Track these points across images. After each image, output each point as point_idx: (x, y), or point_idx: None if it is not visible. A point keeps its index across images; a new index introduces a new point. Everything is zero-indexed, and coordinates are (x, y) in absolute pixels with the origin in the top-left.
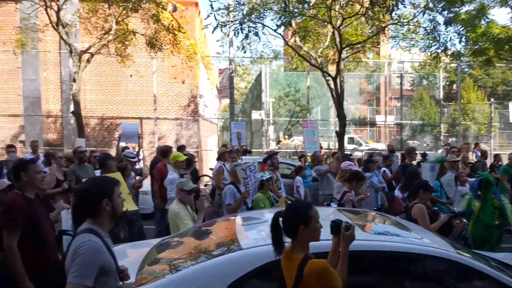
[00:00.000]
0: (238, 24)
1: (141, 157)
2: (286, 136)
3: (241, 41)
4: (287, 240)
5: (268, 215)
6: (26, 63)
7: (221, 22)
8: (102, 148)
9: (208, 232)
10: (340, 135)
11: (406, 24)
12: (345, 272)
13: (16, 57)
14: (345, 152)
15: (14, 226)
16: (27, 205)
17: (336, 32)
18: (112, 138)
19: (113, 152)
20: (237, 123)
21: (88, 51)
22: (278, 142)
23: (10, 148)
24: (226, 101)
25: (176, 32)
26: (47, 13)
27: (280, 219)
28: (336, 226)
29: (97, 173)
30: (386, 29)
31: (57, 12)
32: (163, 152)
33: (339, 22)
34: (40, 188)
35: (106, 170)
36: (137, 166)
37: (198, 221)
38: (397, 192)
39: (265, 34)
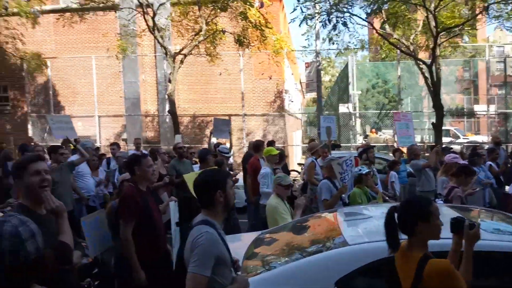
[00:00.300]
0: (326, 15)
1: (231, 152)
2: (373, 130)
3: (328, 32)
4: (402, 237)
5: (371, 210)
6: (127, 67)
7: (308, 14)
8: (195, 144)
9: (307, 227)
10: (437, 127)
11: None
12: (469, 274)
13: (118, 61)
14: (444, 146)
15: (129, 216)
16: (140, 197)
17: (431, 15)
18: (203, 135)
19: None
20: (326, 117)
21: (181, 53)
22: (366, 136)
23: (113, 145)
24: (310, 95)
25: (263, 28)
26: (145, 19)
27: (396, 214)
28: (458, 223)
29: (195, 167)
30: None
31: (153, 17)
32: (256, 146)
33: (433, 4)
34: (151, 181)
35: (205, 164)
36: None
37: (296, 216)
38: (509, 189)
39: (353, 24)
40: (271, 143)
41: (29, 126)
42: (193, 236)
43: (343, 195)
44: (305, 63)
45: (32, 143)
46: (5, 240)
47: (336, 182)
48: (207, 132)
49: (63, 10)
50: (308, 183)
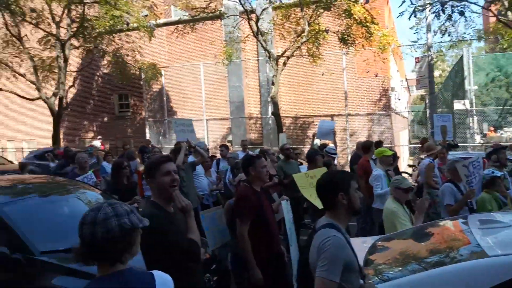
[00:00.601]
0: (439, 5)
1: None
2: (492, 128)
3: (442, 24)
4: None
5: (509, 218)
6: (231, 72)
7: (418, 6)
8: (297, 145)
9: (431, 234)
10: None
11: None
12: None
13: (224, 67)
14: None
15: (245, 215)
16: (255, 197)
17: None
18: (305, 136)
19: (305, 149)
20: (441, 115)
21: (283, 55)
22: (484, 135)
23: (222, 147)
24: (417, 93)
25: (368, 25)
26: (249, 24)
27: None
28: None
29: (303, 168)
30: None
31: (256, 22)
32: (365, 147)
33: None
34: (264, 181)
35: (313, 165)
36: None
37: (417, 222)
38: None
39: (471, 12)
40: (379, 144)
41: (147, 130)
42: (318, 239)
43: (470, 201)
44: (415, 58)
45: (150, 145)
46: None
47: (461, 186)
48: (309, 133)
49: (175, 23)
50: (423, 186)
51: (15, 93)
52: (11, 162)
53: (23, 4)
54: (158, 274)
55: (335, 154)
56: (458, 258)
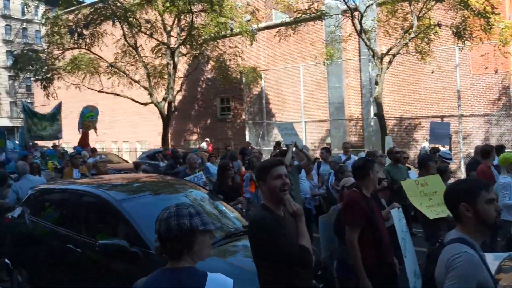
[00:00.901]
0: None
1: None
2: None
3: None
4: None
5: None
6: (331, 73)
7: None
8: (401, 149)
9: None
10: None
11: None
12: None
13: (324, 68)
14: None
15: (355, 222)
16: (365, 203)
17: None
18: (410, 139)
19: (411, 153)
20: None
21: (388, 53)
22: None
23: (323, 150)
24: None
25: (488, 15)
26: (352, 23)
27: None
28: None
29: (411, 174)
30: None
31: (360, 20)
32: (485, 152)
33: None
34: (375, 186)
35: (424, 171)
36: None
37: None
38: None
39: None
40: (501, 149)
41: (246, 132)
42: (447, 255)
43: None
44: None
45: (249, 147)
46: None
47: None
48: (415, 136)
49: (276, 26)
50: None
51: (131, 98)
52: (126, 161)
53: (138, 17)
54: (214, 277)
55: (451, 159)
56: None
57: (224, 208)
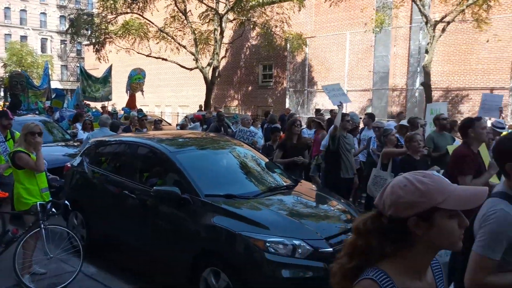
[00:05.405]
0: None
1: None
2: None
3: None
4: None
5: None
6: (379, 41)
7: None
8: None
9: None
10: None
11: None
12: None
13: (373, 35)
14: None
15: (466, 171)
16: (474, 156)
17: None
18: (455, 111)
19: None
20: None
21: (443, 21)
22: None
23: (366, 115)
24: None
25: None
26: None
27: None
28: None
29: (457, 143)
30: None
31: None
32: None
33: None
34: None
35: (468, 138)
36: None
37: None
38: None
39: None
40: None
41: (287, 100)
42: (485, 208)
43: None
44: None
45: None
46: None
47: None
48: (461, 108)
49: None
50: None
51: (177, 63)
52: (169, 124)
53: None
54: None
55: (503, 128)
56: None
57: (269, 165)
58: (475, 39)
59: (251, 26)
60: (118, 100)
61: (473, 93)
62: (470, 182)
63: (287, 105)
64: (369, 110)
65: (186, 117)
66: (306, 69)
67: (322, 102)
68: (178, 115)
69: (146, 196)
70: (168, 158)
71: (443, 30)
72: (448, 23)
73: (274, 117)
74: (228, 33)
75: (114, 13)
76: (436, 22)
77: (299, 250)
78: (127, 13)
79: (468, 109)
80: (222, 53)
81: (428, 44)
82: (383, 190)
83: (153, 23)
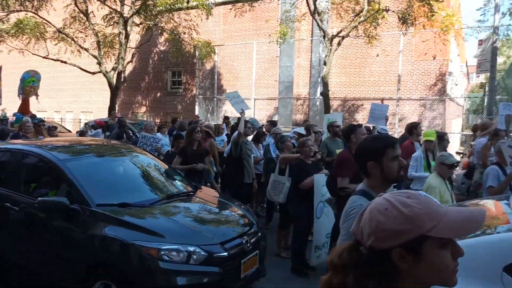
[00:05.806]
0: None
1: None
2: None
3: None
4: None
5: None
6: (283, 52)
7: None
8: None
9: None
10: None
11: None
12: None
13: (278, 46)
14: None
15: (345, 174)
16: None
17: None
18: (352, 119)
19: None
20: (507, 104)
21: (338, 35)
22: None
23: (268, 122)
24: (477, 81)
25: (432, 3)
26: (307, 3)
27: None
28: None
29: None
30: None
31: (314, 1)
32: (409, 128)
33: None
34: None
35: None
36: None
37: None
38: None
39: None
40: (442, 136)
41: (196, 107)
42: (348, 205)
43: None
44: (478, 40)
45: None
46: None
47: (507, 170)
48: (357, 116)
49: (233, 1)
50: (475, 168)
51: (78, 67)
52: (69, 131)
53: None
54: None
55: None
56: (493, 231)
57: (169, 172)
58: (368, 53)
59: (159, 32)
60: (9, 105)
61: (367, 103)
62: (347, 184)
63: (196, 112)
64: (275, 118)
65: (86, 123)
66: (215, 77)
67: (231, 109)
68: (80, 122)
69: (31, 208)
70: (56, 167)
71: (339, 44)
72: (343, 37)
73: (183, 124)
74: (135, 37)
75: (6, 10)
76: (333, 36)
77: (194, 256)
78: (20, 11)
79: (363, 118)
80: (128, 57)
81: (326, 56)
82: (360, 215)
83: (50, 23)
